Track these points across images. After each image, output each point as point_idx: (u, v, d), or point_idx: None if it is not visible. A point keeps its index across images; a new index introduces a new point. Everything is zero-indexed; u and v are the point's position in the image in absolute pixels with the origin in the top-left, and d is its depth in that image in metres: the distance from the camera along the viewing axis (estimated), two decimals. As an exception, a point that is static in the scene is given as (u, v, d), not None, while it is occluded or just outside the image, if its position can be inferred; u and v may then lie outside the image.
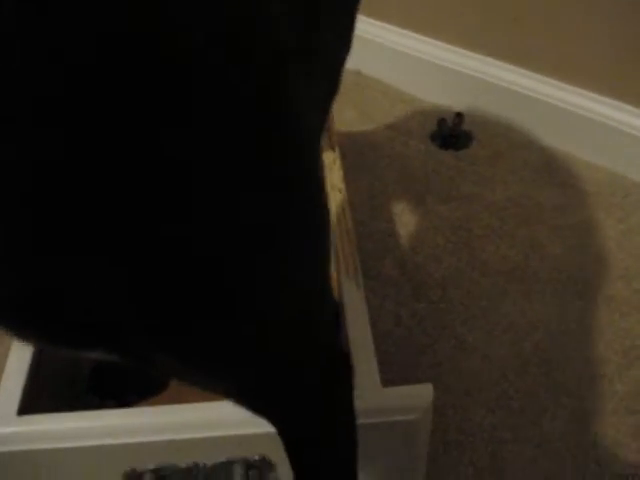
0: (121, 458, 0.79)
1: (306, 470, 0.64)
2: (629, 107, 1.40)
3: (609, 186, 1.42)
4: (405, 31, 1.67)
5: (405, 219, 1.37)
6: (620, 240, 1.30)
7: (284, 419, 0.59)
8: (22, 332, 0.43)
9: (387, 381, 0.97)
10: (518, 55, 1.51)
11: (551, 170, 1.46)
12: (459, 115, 1.52)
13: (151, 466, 0.80)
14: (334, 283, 0.97)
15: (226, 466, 0.81)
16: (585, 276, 1.24)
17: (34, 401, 0.84)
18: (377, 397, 0.80)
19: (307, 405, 0.58)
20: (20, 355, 0.87)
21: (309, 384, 0.57)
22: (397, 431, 0.81)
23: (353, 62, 1.73)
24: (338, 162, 1.14)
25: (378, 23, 1.70)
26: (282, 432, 0.60)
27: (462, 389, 1.08)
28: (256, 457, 0.80)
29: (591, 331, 1.15)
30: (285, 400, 0.56)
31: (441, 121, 1.52)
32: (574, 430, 1.02)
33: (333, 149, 1.17)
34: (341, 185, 1.10)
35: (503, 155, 1.50)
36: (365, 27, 1.70)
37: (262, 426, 0.78)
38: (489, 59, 1.55)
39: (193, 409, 0.81)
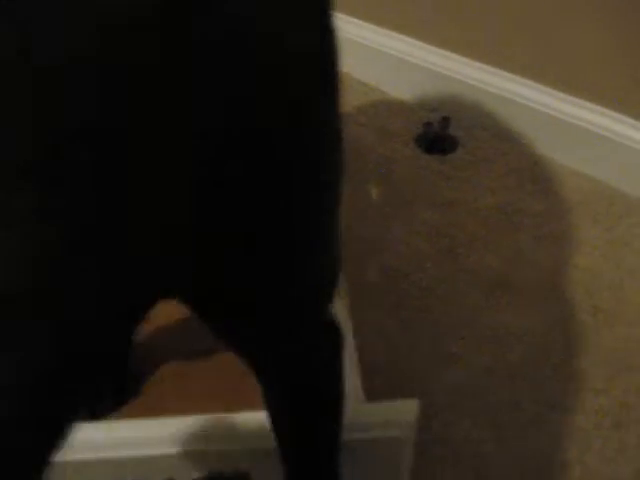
0: (92, 474, 0.76)
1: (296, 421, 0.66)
2: (617, 115, 1.39)
3: (595, 195, 1.40)
4: (394, 33, 1.64)
5: (389, 224, 1.34)
6: (606, 250, 1.29)
7: (287, 364, 0.61)
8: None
9: (370, 390, 0.94)
10: (506, 61, 1.50)
11: (536, 177, 1.45)
12: (445, 119, 1.50)
13: (124, 482, 0.77)
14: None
15: (202, 482, 0.78)
16: (570, 287, 1.22)
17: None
18: (361, 413, 0.77)
19: (312, 354, 0.62)
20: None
21: (317, 334, 0.62)
22: (381, 447, 0.78)
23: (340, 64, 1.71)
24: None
25: (366, 25, 1.68)
26: (276, 380, 0.63)
27: (446, 401, 1.05)
28: (229, 470, 0.77)
29: (576, 343, 1.13)
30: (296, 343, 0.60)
31: (427, 125, 1.50)
32: (560, 444, 1.00)
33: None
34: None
35: (489, 161, 1.48)
36: (352, 29, 1.67)
37: (238, 442, 0.75)
38: (477, 64, 1.53)
39: (164, 424, 0.78)
